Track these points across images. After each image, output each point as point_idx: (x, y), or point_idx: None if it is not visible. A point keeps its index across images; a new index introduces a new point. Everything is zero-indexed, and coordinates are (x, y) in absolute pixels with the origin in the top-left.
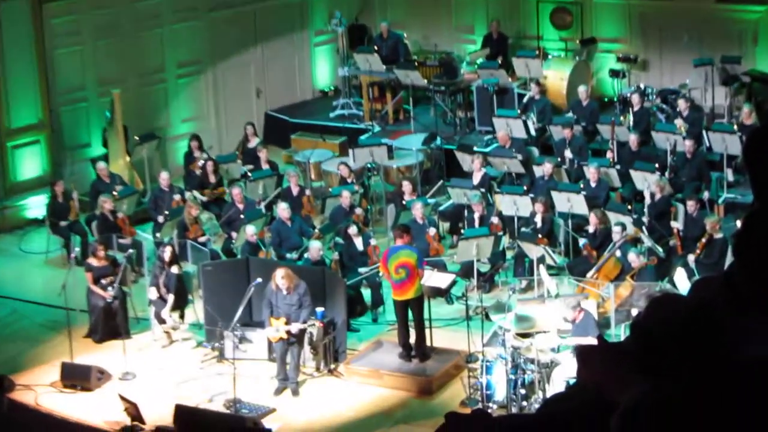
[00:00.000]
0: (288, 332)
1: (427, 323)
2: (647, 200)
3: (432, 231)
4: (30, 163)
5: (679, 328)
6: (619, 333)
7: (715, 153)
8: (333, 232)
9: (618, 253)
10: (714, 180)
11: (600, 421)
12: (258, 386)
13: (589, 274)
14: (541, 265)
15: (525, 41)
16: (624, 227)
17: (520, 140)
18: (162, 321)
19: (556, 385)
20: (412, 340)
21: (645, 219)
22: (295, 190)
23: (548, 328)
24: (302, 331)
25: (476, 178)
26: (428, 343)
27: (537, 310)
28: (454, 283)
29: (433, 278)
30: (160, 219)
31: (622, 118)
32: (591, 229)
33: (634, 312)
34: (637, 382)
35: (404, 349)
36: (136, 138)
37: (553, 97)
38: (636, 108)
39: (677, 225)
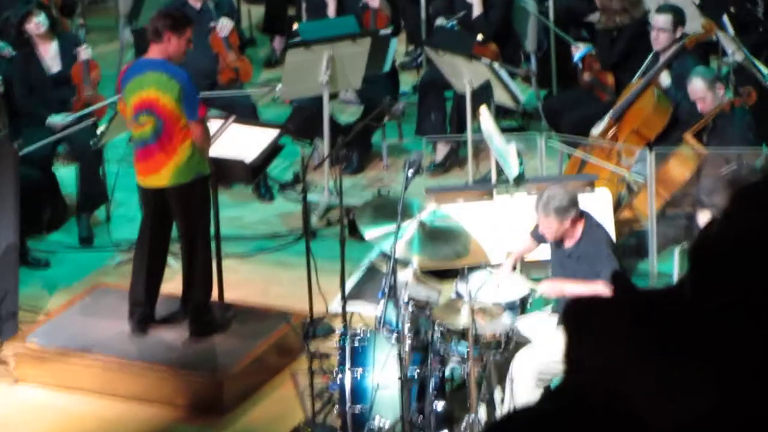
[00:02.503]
0: None
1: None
2: None
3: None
4: None
5: None
6: (666, 268)
7: None
8: None
9: (664, 78)
10: None
11: None
12: None
13: (594, 130)
14: (484, 112)
15: None
16: (677, 16)
17: None
18: None
19: (521, 389)
20: (174, 287)
21: None
22: None
23: (499, 257)
24: None
25: None
26: (215, 295)
27: (474, 216)
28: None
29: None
30: None
31: None
32: (595, 19)
33: (702, 218)
34: (690, 381)
35: (135, 307)
36: None
37: None
38: None
39: None
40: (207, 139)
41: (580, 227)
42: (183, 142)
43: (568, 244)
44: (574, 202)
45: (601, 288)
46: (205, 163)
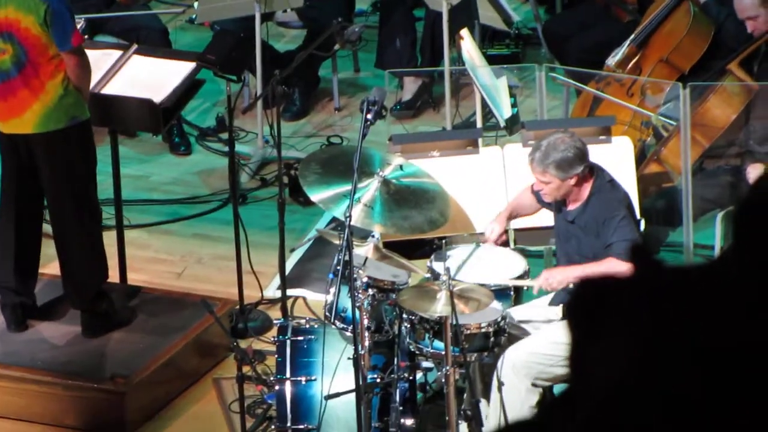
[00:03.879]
0: None
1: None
2: None
3: None
4: None
5: None
6: (705, 238)
7: None
8: None
9: None
10: None
11: None
12: None
13: (611, 59)
14: (466, 35)
15: None
16: None
17: None
18: None
19: (513, 397)
20: (50, 270)
21: None
22: None
23: (477, 224)
24: None
25: None
26: (114, 278)
27: (454, 173)
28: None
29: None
30: None
31: None
32: None
33: (752, 172)
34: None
35: (5, 296)
36: None
37: None
38: None
39: None
40: (86, 74)
41: (588, 187)
42: (53, 77)
43: (572, 206)
44: (581, 155)
45: (615, 266)
46: (83, 106)
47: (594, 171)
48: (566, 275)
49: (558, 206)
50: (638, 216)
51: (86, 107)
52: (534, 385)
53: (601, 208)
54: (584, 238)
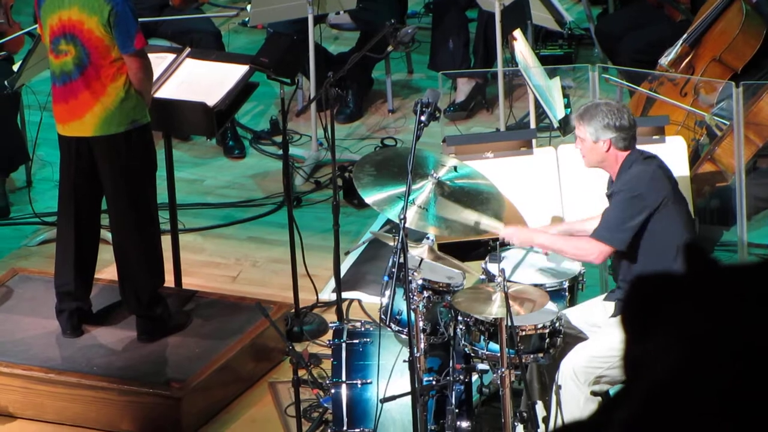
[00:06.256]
0: None
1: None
2: None
3: None
4: None
5: None
6: (760, 237)
7: None
8: None
9: None
10: None
11: None
12: None
13: (664, 59)
14: (519, 36)
15: None
16: None
17: None
18: None
19: (571, 400)
20: (106, 275)
21: None
22: None
23: (531, 224)
24: None
25: None
26: (170, 282)
27: (507, 174)
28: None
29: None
30: None
31: None
32: None
33: None
34: None
35: (63, 300)
36: None
37: None
38: None
39: None
40: (147, 78)
41: (621, 161)
42: (114, 80)
43: (612, 185)
44: (620, 126)
45: (587, 248)
46: (144, 110)
47: (634, 148)
48: (530, 237)
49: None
50: (693, 215)
51: (147, 111)
52: (593, 393)
53: (623, 181)
54: None
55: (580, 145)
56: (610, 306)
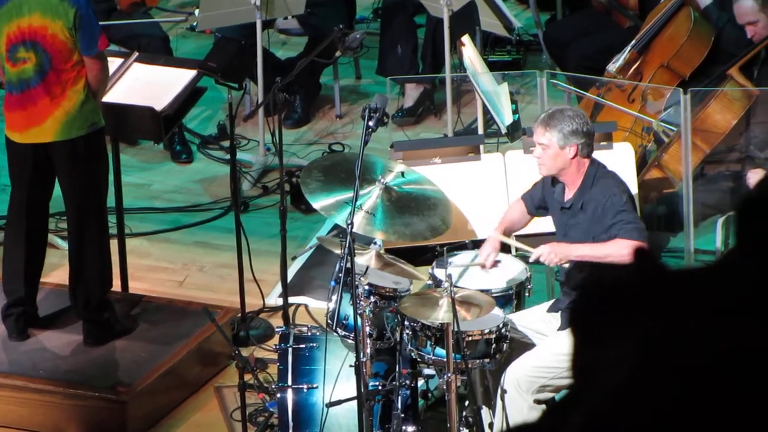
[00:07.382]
0: None
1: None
2: None
3: None
4: None
5: None
6: (706, 243)
7: None
8: None
9: None
10: None
11: None
12: None
13: (611, 65)
14: (467, 42)
15: None
16: None
17: None
18: None
19: (516, 406)
20: (61, 276)
21: None
22: None
23: (478, 230)
24: None
25: None
26: (116, 286)
27: (455, 179)
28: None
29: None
30: None
31: None
32: None
33: (753, 177)
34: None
35: (10, 304)
36: None
37: None
38: None
39: None
40: (106, 79)
41: (584, 170)
42: (75, 83)
43: (569, 193)
44: (584, 132)
45: (622, 248)
46: (100, 112)
47: (593, 159)
48: (570, 251)
49: (553, 201)
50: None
51: (101, 114)
52: (537, 401)
53: (601, 191)
54: (583, 224)
55: (540, 152)
56: (555, 317)
